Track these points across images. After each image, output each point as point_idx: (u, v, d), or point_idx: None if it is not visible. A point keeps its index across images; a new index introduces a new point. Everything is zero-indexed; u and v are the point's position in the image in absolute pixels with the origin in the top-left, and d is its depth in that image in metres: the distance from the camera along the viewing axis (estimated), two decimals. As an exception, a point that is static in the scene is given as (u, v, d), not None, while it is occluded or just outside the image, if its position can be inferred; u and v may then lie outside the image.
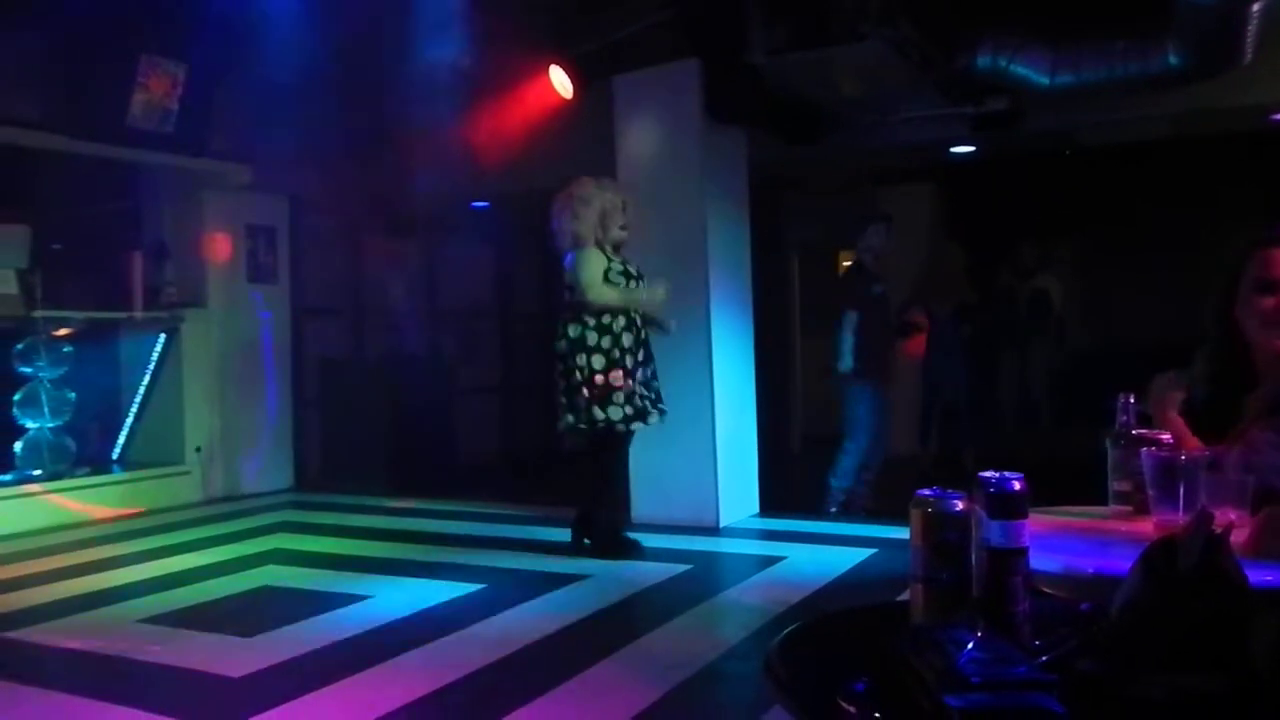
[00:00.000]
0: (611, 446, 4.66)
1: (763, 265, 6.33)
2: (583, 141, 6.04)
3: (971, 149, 7.01)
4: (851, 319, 5.69)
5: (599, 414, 4.49)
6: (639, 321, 4.65)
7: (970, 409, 7.51)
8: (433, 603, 3.98)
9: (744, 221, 5.90)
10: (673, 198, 5.51)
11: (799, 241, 9.40)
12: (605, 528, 4.73)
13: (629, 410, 4.54)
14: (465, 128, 6.35)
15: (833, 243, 9.72)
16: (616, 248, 4.69)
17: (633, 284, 4.61)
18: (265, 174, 6.97)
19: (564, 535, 4.94)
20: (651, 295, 4.62)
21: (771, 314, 7.73)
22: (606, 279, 4.57)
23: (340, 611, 3.88)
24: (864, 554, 4.70)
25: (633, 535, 4.85)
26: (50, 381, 6.27)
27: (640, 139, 5.59)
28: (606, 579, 4.35)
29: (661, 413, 4.69)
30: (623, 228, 4.67)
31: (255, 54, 5.86)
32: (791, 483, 6.58)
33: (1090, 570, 1.58)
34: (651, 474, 5.53)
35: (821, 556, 4.69)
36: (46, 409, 6.22)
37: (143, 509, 6.36)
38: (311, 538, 5.50)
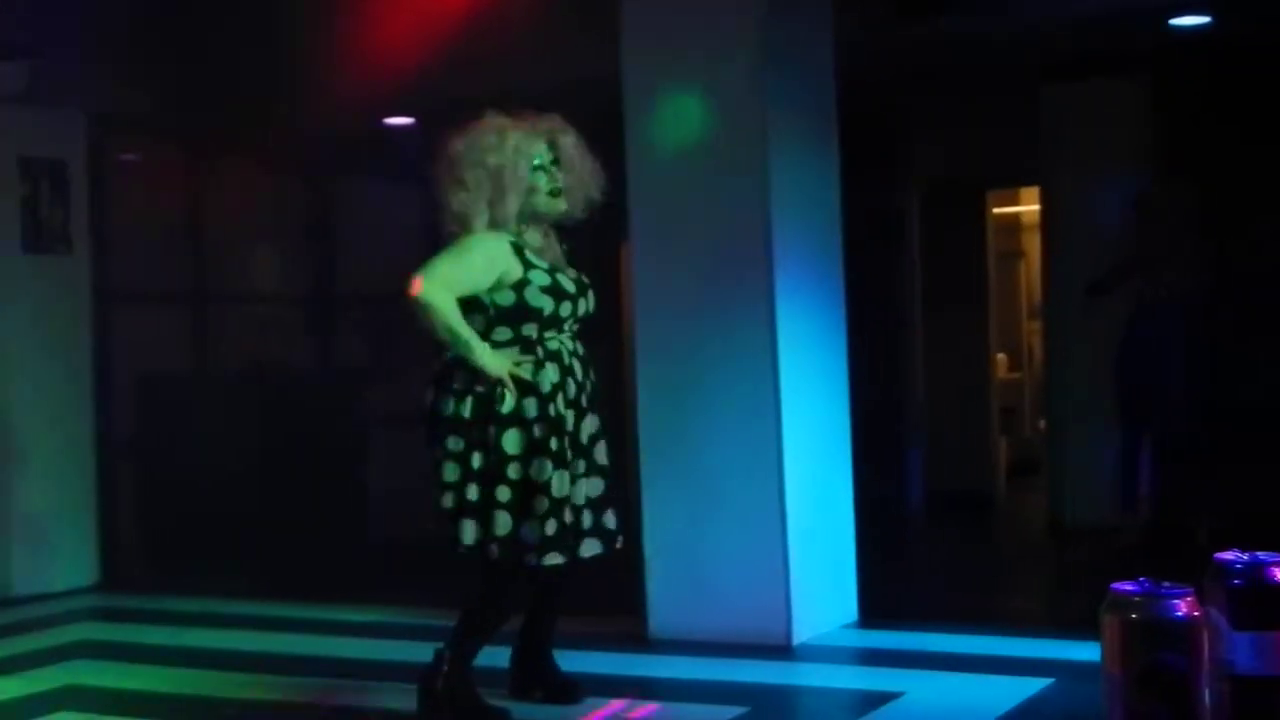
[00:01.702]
0: (502, 581, 4.44)
1: (862, 217, 6.38)
2: (566, 20, 6.12)
3: (1204, 20, 7.03)
4: None
5: (494, 529, 4.29)
6: (573, 364, 4.45)
7: (1204, 448, 7.54)
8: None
9: (830, 145, 5.92)
10: (712, 111, 5.54)
11: (923, 176, 9.46)
12: (453, 688, 4.41)
13: (546, 530, 4.30)
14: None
15: (980, 176, 9.77)
16: (545, 227, 4.52)
17: (565, 305, 4.39)
18: (51, 77, 7.06)
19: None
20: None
21: (877, 298, 7.78)
22: (521, 296, 4.33)
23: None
24: (1031, 686, 4.72)
25: (501, 704, 4.53)
26: None
27: (662, 16, 5.63)
28: (608, 733, 4.44)
29: (609, 542, 4.56)
30: (554, 192, 4.48)
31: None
32: (911, 573, 6.66)
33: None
34: (680, 564, 5.59)
35: (961, 692, 4.72)
36: None
37: None
38: (127, 668, 5.52)
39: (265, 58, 7.16)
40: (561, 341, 4.42)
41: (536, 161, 4.43)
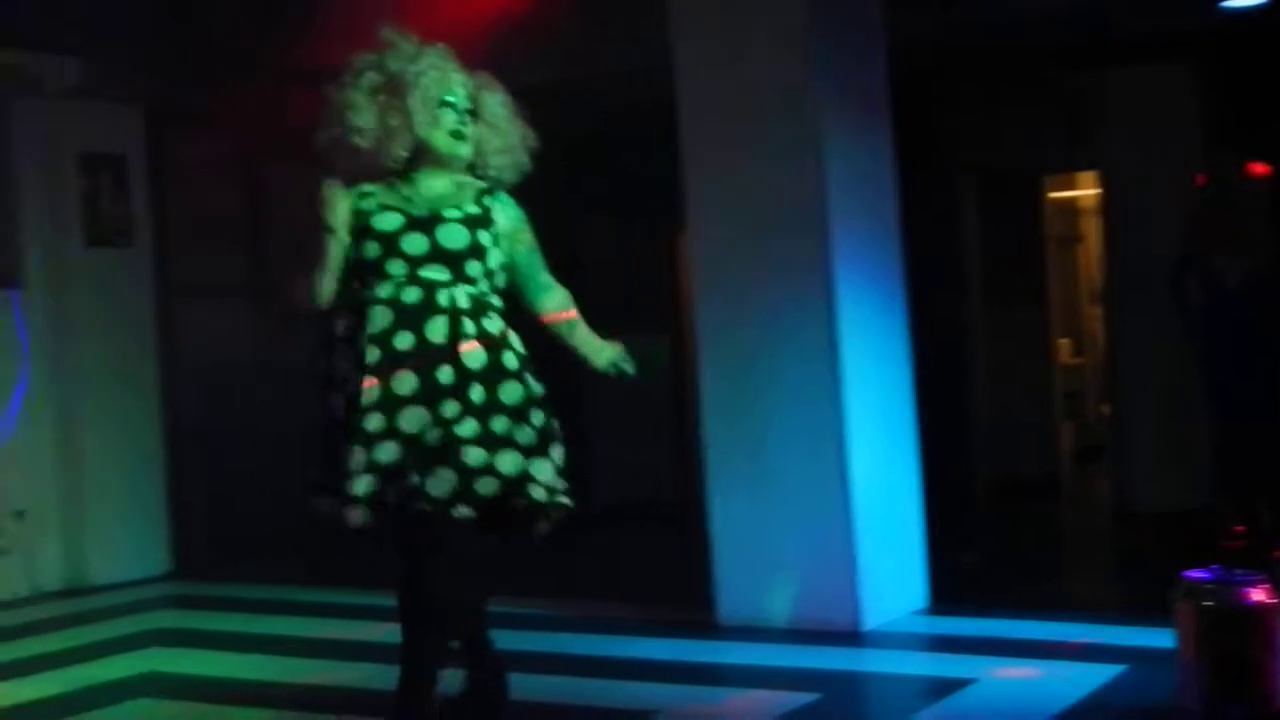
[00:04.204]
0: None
1: (918, 203, 6.38)
2: (613, 11, 6.17)
3: (1258, 1, 7.01)
4: None
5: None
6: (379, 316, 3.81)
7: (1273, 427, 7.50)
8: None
9: (884, 127, 5.95)
10: (762, 103, 5.57)
11: (976, 162, 9.44)
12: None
13: (374, 459, 3.74)
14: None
15: (1031, 160, 9.75)
16: (459, 177, 4.00)
17: (371, 246, 3.84)
18: (110, 73, 7.16)
19: (618, 645, 5.06)
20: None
21: (937, 284, 7.78)
22: (363, 240, 3.85)
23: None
24: (1104, 673, 4.74)
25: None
26: None
27: (710, 7, 5.68)
28: (684, 717, 4.47)
29: (473, 502, 3.80)
30: (458, 133, 3.93)
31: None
32: (979, 558, 6.69)
33: None
34: (748, 550, 5.63)
35: (1033, 678, 4.74)
36: None
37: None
38: (203, 655, 5.63)
39: (320, 52, 7.20)
40: (373, 295, 3.82)
41: (449, 98, 3.93)
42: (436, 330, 3.79)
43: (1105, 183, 8.82)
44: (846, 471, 5.52)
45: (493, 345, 3.86)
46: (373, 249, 3.84)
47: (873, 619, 5.54)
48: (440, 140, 3.91)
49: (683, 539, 6.46)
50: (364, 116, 3.87)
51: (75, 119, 7.35)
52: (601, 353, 4.10)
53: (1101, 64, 8.25)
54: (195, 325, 8.02)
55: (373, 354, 3.75)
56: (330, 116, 3.94)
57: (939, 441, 6.42)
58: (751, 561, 5.64)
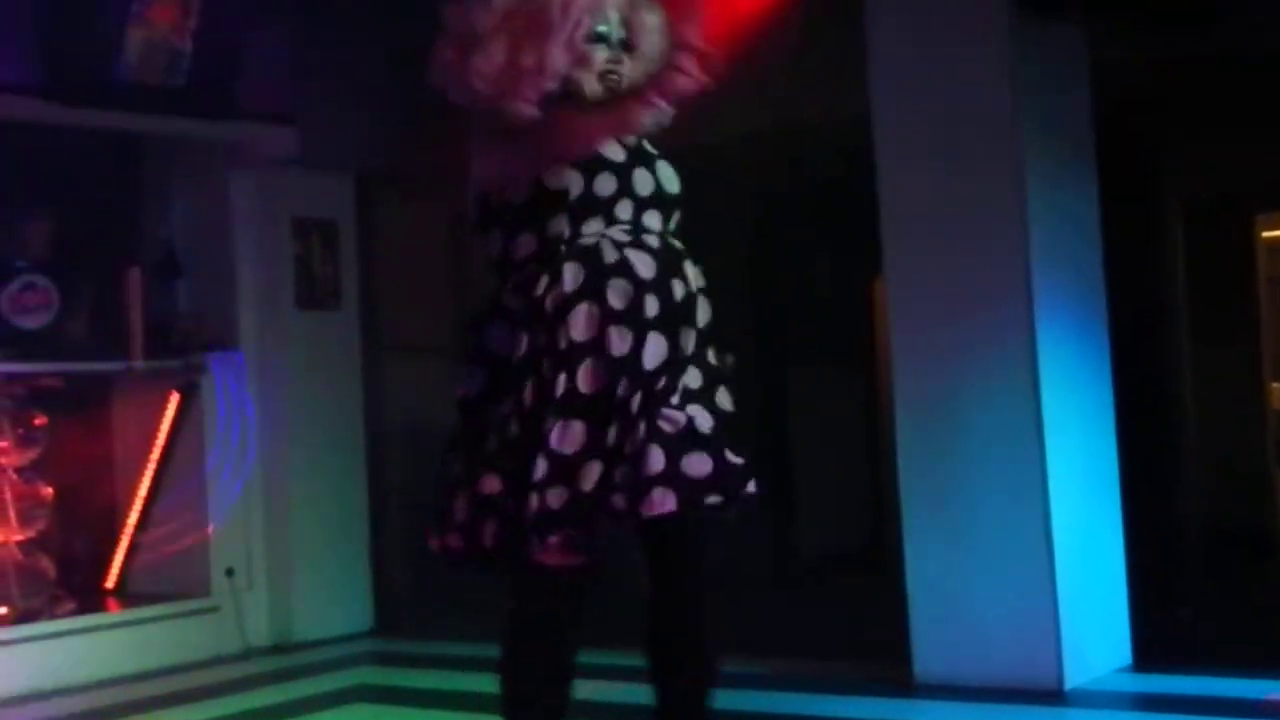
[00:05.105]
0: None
1: (1122, 241, 6.21)
2: (813, 59, 6.13)
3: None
4: None
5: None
6: (626, 260, 3.00)
7: None
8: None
9: (1089, 171, 5.83)
10: (965, 140, 5.49)
11: (1185, 198, 9.15)
12: None
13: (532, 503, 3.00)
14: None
15: (1248, 197, 9.43)
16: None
17: (605, 179, 3.01)
18: (320, 141, 7.33)
19: (811, 703, 4.95)
20: None
21: (1141, 326, 7.54)
22: (588, 171, 3.02)
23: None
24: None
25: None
26: (17, 472, 6.74)
27: (909, 46, 5.62)
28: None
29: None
30: (609, 76, 3.08)
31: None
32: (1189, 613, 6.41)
33: None
34: (945, 605, 5.49)
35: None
36: (12, 514, 6.64)
37: (153, 667, 6.69)
38: (405, 712, 5.69)
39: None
40: (607, 236, 3.01)
41: (601, 27, 3.07)
42: (688, 279, 3.07)
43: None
44: (1049, 522, 5.36)
45: None
46: (607, 183, 3.02)
47: (1075, 677, 5.36)
48: (589, 85, 3.08)
49: (878, 591, 6.31)
50: (489, 48, 2.98)
51: (288, 186, 7.54)
52: None
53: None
54: (400, 386, 8.12)
55: (652, 304, 2.97)
56: (449, 42, 3.09)
57: (1145, 491, 6.22)
58: (949, 616, 5.50)
